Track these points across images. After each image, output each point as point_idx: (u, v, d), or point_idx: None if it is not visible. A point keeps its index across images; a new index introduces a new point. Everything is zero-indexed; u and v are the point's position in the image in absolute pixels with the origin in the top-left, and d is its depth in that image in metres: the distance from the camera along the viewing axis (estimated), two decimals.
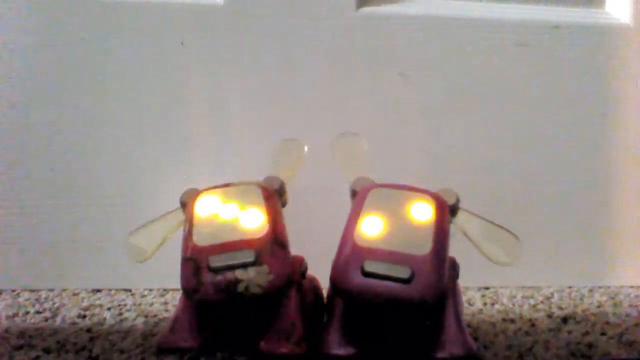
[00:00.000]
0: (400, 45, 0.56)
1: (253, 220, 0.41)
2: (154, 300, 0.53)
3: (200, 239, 0.40)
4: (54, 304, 0.52)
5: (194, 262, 0.39)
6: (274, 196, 0.43)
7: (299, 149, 0.47)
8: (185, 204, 0.43)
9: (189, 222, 0.42)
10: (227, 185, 0.44)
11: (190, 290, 0.39)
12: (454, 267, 0.43)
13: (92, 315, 0.49)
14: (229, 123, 0.55)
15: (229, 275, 0.38)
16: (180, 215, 0.44)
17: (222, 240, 0.40)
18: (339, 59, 0.55)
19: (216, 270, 0.39)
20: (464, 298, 0.53)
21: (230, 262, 0.39)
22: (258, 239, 0.40)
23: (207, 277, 0.39)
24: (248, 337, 0.41)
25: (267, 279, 0.39)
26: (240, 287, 0.38)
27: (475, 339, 0.46)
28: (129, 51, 0.54)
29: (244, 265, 0.38)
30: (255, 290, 0.38)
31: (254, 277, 0.38)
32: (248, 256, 0.39)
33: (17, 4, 0.52)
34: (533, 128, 0.58)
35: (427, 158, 0.57)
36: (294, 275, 0.42)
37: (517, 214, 0.58)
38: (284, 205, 0.45)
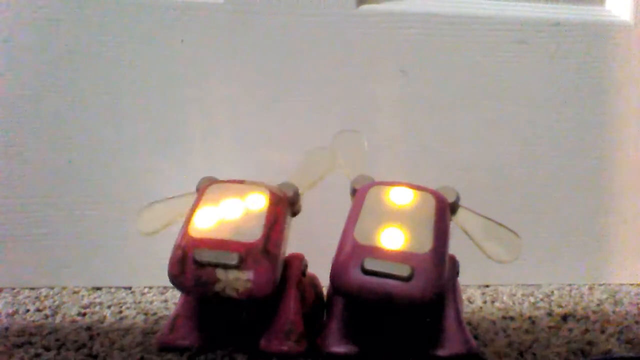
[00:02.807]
0: (401, 43, 0.56)
1: (250, 224, 0.41)
2: (154, 298, 0.53)
3: (196, 230, 0.40)
4: (54, 302, 0.52)
5: (183, 250, 0.39)
6: (282, 203, 0.43)
7: (328, 159, 0.46)
8: (199, 191, 0.43)
9: (193, 210, 0.42)
10: (240, 181, 0.44)
11: (172, 276, 0.39)
12: (454, 265, 0.43)
13: (92, 313, 0.49)
14: (229, 121, 0.55)
15: (210, 272, 0.38)
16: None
17: (214, 236, 0.40)
18: (339, 56, 0.55)
19: (199, 264, 0.39)
20: (464, 296, 0.53)
21: (213, 260, 0.38)
22: (248, 244, 0.39)
23: (190, 268, 0.39)
24: (248, 335, 0.41)
25: (244, 285, 0.38)
26: (218, 287, 0.38)
27: (475, 336, 0.46)
28: (130, 49, 0.54)
29: (226, 266, 0.38)
30: (230, 293, 0.38)
31: (232, 281, 0.38)
32: (231, 259, 0.38)
33: (21, 3, 0.52)
34: (533, 126, 0.58)
35: (427, 155, 0.57)
36: (294, 272, 0.42)
37: (517, 212, 0.58)
38: (295, 214, 0.45)
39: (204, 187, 0.43)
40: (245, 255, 0.39)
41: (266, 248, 0.40)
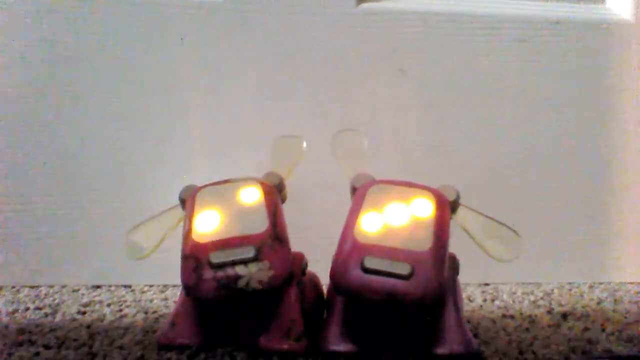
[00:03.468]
0: (400, 41, 0.56)
1: (252, 217, 0.41)
2: (154, 296, 0.53)
3: (200, 236, 0.40)
4: (53, 300, 0.52)
5: (195, 258, 0.39)
6: (274, 192, 0.43)
7: (298, 145, 0.47)
8: (185, 201, 0.43)
9: (189, 218, 0.42)
10: (226, 181, 0.44)
11: (191, 287, 0.39)
12: (454, 263, 0.43)
13: (92, 311, 0.49)
14: (228, 119, 0.55)
15: (230, 271, 0.38)
16: (180, 212, 0.44)
17: (222, 236, 0.40)
18: (339, 55, 0.55)
19: (217, 267, 0.39)
20: (464, 294, 0.53)
21: (231, 258, 0.39)
22: (258, 235, 0.40)
23: (208, 273, 0.39)
24: (248, 334, 0.41)
25: (267, 274, 0.39)
26: (241, 283, 0.38)
27: (475, 335, 0.46)
28: (129, 47, 0.54)
29: (244, 261, 0.39)
30: (255, 285, 0.38)
31: (255, 273, 0.38)
32: (248, 252, 0.39)
33: (20, 2, 0.52)
34: (533, 124, 0.58)
35: (427, 154, 0.57)
36: (295, 271, 0.42)
37: (517, 210, 0.58)
38: (283, 201, 0.45)
39: (192, 194, 0.43)
40: (260, 245, 0.39)
41: (277, 235, 0.40)
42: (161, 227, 0.44)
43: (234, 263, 0.39)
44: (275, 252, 0.39)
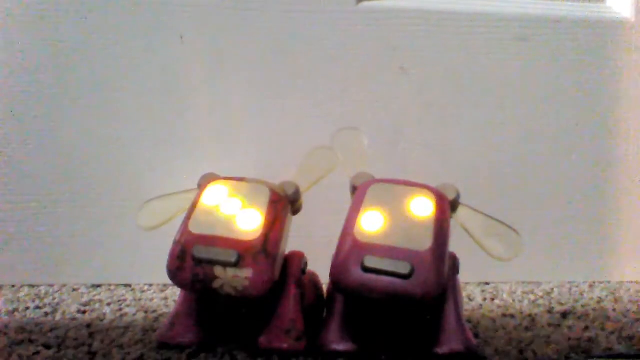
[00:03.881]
0: (401, 40, 0.56)
1: (249, 222, 0.40)
2: (154, 295, 0.53)
3: (196, 226, 0.40)
4: (53, 299, 0.52)
5: (182, 246, 0.39)
6: (282, 202, 0.42)
7: (330, 157, 0.46)
8: (200, 187, 0.43)
9: (193, 206, 0.42)
10: (241, 179, 0.43)
11: (170, 272, 0.39)
12: (454, 262, 0.43)
13: (92, 310, 0.49)
14: (228, 118, 0.55)
15: (208, 269, 0.38)
16: (193, 197, 0.43)
17: (213, 233, 0.40)
18: (339, 53, 0.55)
19: (198, 261, 0.39)
20: (464, 293, 0.53)
21: (212, 257, 0.39)
22: (246, 242, 0.39)
23: (189, 264, 0.39)
24: (248, 333, 0.41)
25: (242, 283, 0.38)
26: (216, 284, 0.38)
27: (476, 334, 0.46)
28: (129, 46, 0.54)
29: (224, 264, 0.38)
30: (228, 291, 0.38)
31: (230, 279, 0.38)
32: (230, 256, 0.38)
33: (19, 2, 0.52)
34: (533, 123, 0.58)
35: (427, 153, 0.57)
36: (292, 272, 0.42)
37: (517, 209, 0.58)
38: (295, 212, 0.44)
39: (205, 183, 0.43)
40: (244, 253, 0.39)
41: (265, 247, 0.39)
42: (174, 206, 0.44)
43: (214, 263, 0.38)
44: (257, 265, 0.39)
